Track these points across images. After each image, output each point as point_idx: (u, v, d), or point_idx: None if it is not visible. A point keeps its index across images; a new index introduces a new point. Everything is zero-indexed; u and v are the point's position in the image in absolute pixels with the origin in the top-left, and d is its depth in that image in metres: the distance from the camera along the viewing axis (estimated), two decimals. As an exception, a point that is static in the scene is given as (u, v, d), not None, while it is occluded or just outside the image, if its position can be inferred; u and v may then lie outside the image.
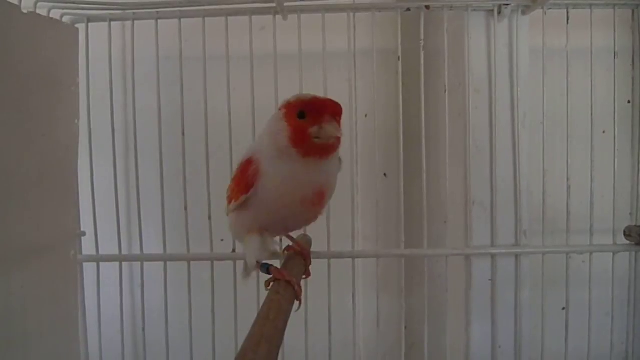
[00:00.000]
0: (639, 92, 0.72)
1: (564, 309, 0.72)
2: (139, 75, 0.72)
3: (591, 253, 0.71)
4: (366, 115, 0.79)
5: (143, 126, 0.72)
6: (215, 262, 0.72)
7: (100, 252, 0.73)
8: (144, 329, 0.74)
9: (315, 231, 0.70)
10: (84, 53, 0.71)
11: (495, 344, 0.73)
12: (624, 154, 0.74)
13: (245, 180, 0.49)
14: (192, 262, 0.73)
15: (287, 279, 0.49)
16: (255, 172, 0.48)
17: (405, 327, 0.73)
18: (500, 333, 0.72)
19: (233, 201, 0.51)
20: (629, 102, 0.75)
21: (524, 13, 0.71)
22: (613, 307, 0.73)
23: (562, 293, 0.72)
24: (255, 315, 0.49)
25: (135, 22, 0.72)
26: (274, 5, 0.68)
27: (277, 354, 0.37)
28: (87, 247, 0.74)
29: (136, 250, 0.74)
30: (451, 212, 0.71)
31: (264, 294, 0.49)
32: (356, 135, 0.70)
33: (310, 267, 0.59)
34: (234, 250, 0.72)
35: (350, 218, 0.71)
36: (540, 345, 0.72)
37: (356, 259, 0.73)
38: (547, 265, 0.71)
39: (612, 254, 0.71)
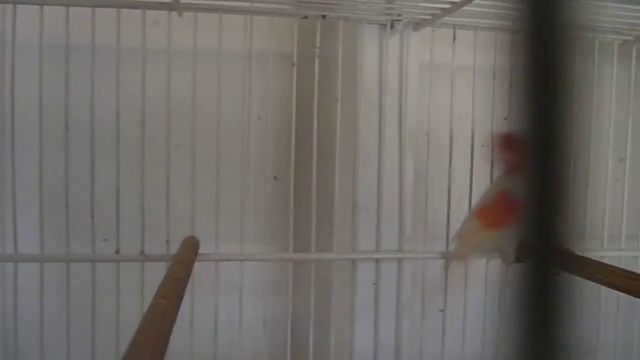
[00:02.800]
0: (514, 110, 0.78)
1: (441, 310, 0.77)
2: (19, 64, 0.67)
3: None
4: (259, 118, 0.79)
5: (22, 117, 0.68)
6: (96, 264, 0.69)
7: (-32, 251, 0.68)
8: (15, 336, 0.69)
9: (203, 232, 0.69)
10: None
11: (378, 345, 0.76)
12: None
13: None
14: (71, 264, 0.69)
15: None
16: None
17: (292, 329, 0.74)
18: (382, 334, 0.75)
19: None
20: (505, 118, 0.80)
21: (415, 29, 0.74)
22: (485, 308, 0.78)
23: (440, 296, 0.76)
24: (138, 320, 0.47)
25: (17, 6, 0.67)
26: (169, 0, 0.66)
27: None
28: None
29: (9, 250, 0.69)
30: (339, 217, 0.73)
31: (150, 298, 0.48)
32: (248, 137, 0.70)
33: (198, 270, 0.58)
34: (117, 252, 0.69)
35: (239, 220, 0.71)
36: (420, 344, 0.76)
37: (244, 262, 0.72)
38: (426, 270, 0.75)
39: (485, 259, 0.76)
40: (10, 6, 0.67)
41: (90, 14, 0.67)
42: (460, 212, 0.75)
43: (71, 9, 0.68)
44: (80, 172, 0.69)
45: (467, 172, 0.76)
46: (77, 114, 0.68)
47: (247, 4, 0.70)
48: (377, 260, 0.74)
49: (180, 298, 0.51)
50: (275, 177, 0.79)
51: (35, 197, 0.68)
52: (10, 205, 0.69)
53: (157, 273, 0.63)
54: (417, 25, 0.73)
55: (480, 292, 0.78)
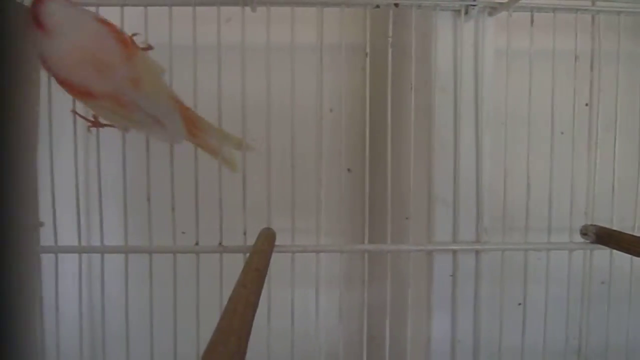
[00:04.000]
0: (597, 95, 0.74)
1: (520, 304, 0.74)
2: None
3: (548, 250, 0.73)
4: (331, 110, 0.79)
5: (106, 115, 0.71)
6: (177, 255, 0.72)
7: (59, 244, 0.72)
8: (103, 323, 0.73)
9: (280, 226, 0.70)
10: (45, 38, 0.69)
11: (455, 338, 0.74)
12: (581, 155, 0.76)
13: None
14: (153, 255, 0.72)
15: None
16: None
17: (367, 321, 0.73)
18: (460, 327, 0.74)
19: None
20: (586, 104, 0.77)
21: (490, 14, 0.72)
22: (568, 304, 0.75)
23: (519, 289, 0.74)
24: (218, 309, 0.49)
25: (100, 8, 0.70)
26: (243, -4, 0.67)
27: (246, 346, 0.37)
28: (45, 237, 0.72)
29: (96, 242, 0.73)
30: (414, 208, 0.72)
31: (227, 288, 0.49)
32: (321, 130, 0.70)
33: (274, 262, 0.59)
34: (197, 243, 0.71)
35: (314, 213, 0.71)
36: (498, 339, 0.74)
37: (320, 254, 0.73)
38: (505, 262, 0.73)
39: (568, 251, 0.73)
40: (93, 9, 0.70)
41: (167, 13, 0.69)
42: (540, 202, 0.73)
43: (149, 8, 0.70)
44: (160, 167, 0.72)
45: (547, 160, 0.73)
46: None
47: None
48: (454, 252, 0.73)
49: (261, 288, 0.51)
50: (348, 169, 0.80)
51: (119, 192, 0.71)
52: (97, 200, 0.72)
53: (234, 264, 0.64)
54: (493, 10, 0.71)
55: (562, 284, 0.75)
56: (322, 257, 0.74)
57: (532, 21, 0.72)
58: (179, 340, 0.72)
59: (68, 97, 0.69)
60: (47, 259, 0.72)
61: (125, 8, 0.70)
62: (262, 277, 0.56)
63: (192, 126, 0.66)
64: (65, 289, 0.72)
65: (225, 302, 0.45)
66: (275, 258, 0.63)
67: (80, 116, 0.63)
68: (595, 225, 0.72)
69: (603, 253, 0.73)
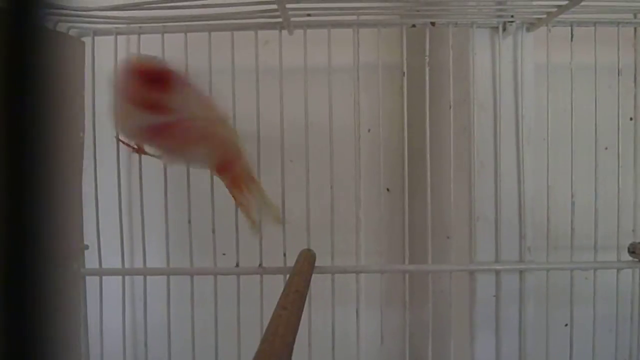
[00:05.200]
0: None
1: (566, 325, 0.72)
2: (144, 89, 0.72)
3: (595, 270, 0.71)
4: (369, 130, 0.79)
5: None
6: (218, 277, 0.72)
7: (103, 266, 0.73)
8: (146, 344, 0.73)
9: (319, 246, 0.70)
10: (89, 66, 0.71)
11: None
12: (627, 171, 0.74)
13: None
14: (195, 277, 0.72)
15: None
16: None
17: (409, 343, 0.72)
18: (504, 349, 0.72)
19: None
20: (631, 119, 0.75)
21: (528, 30, 0.71)
22: (617, 324, 0.72)
23: (565, 309, 0.72)
24: (259, 330, 0.49)
25: (141, 35, 0.72)
26: (280, 20, 0.68)
27: (287, 368, 0.37)
28: (90, 260, 0.74)
29: (139, 264, 0.74)
30: (455, 228, 0.71)
31: (268, 309, 0.49)
32: (359, 150, 0.70)
33: (313, 283, 0.59)
34: (237, 265, 0.72)
35: (353, 233, 0.71)
36: (545, 361, 0.72)
37: (360, 274, 0.72)
38: (550, 282, 0.71)
39: (616, 270, 0.71)
40: (135, 36, 0.72)
41: (206, 39, 0.71)
42: (585, 220, 0.71)
43: (189, 34, 0.71)
44: (201, 190, 0.73)
45: (591, 176, 0.71)
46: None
47: (354, 18, 0.71)
48: (497, 272, 0.71)
49: (301, 309, 0.51)
50: (387, 189, 0.79)
51: (161, 215, 0.72)
52: (139, 223, 0.73)
53: (275, 285, 0.64)
54: (531, 25, 0.70)
55: (610, 304, 0.72)
56: (362, 278, 0.74)
57: (572, 36, 0.71)
58: (220, 361, 0.72)
59: (111, 124, 0.71)
60: (91, 281, 0.73)
61: (166, 35, 0.71)
62: (303, 298, 0.56)
63: (241, 180, 0.66)
64: (109, 310, 0.73)
65: (265, 324, 0.45)
66: (315, 279, 0.63)
67: (124, 143, 0.65)
68: (643, 243, 0.70)
69: (652, 271, 0.71)
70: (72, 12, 0.65)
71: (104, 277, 0.73)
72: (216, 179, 0.70)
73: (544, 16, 0.68)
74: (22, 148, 0.56)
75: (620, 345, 0.73)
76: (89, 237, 0.73)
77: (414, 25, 0.71)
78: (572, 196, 0.71)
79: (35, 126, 0.59)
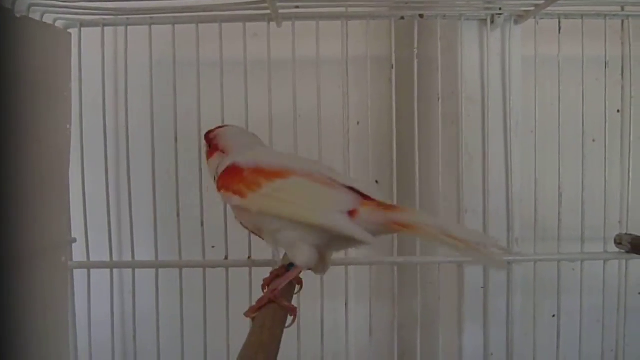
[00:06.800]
0: (629, 102, 0.73)
1: (554, 316, 0.73)
2: (131, 81, 0.72)
3: (582, 261, 0.72)
4: (358, 123, 0.79)
5: (135, 132, 0.72)
6: (207, 269, 0.72)
7: (91, 259, 0.73)
8: (134, 337, 0.73)
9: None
10: (76, 58, 0.71)
11: (488, 352, 0.73)
12: (614, 163, 0.75)
13: None
14: (183, 269, 0.72)
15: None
16: None
17: (398, 334, 0.73)
18: (493, 340, 0.73)
19: None
20: (618, 111, 0.75)
21: (516, 22, 0.71)
22: (603, 315, 0.73)
23: (553, 300, 0.73)
24: (248, 323, 0.49)
25: (129, 27, 0.72)
26: (268, 12, 0.68)
27: (275, 360, 0.37)
28: (78, 253, 0.73)
29: (127, 257, 0.74)
30: (443, 220, 0.71)
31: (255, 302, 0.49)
32: (348, 142, 0.70)
33: (302, 275, 0.59)
34: (226, 257, 0.72)
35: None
36: (532, 352, 0.73)
37: (349, 266, 0.72)
38: (538, 273, 0.71)
39: (602, 262, 0.72)
40: (122, 28, 0.72)
41: (194, 31, 0.70)
42: (572, 212, 0.71)
43: (177, 26, 0.71)
44: (189, 182, 0.73)
45: (578, 168, 0.72)
46: (185, 126, 0.71)
47: (342, 10, 0.71)
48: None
49: (289, 302, 0.52)
50: (376, 181, 0.79)
51: (149, 208, 0.72)
52: (128, 216, 0.73)
53: (263, 277, 0.64)
54: (519, 18, 0.71)
55: (596, 295, 0.73)
56: (351, 270, 0.74)
57: (559, 28, 0.71)
58: (209, 354, 0.72)
59: (99, 116, 0.71)
60: (79, 274, 0.73)
61: (153, 27, 0.71)
62: (291, 291, 0.56)
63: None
64: (97, 303, 0.73)
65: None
66: (304, 271, 0.63)
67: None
68: (630, 234, 0.70)
69: (638, 263, 0.72)
70: (59, 3, 0.65)
71: (92, 270, 0.73)
72: (205, 172, 0.70)
73: (532, 9, 0.68)
74: (5, 140, 0.55)
75: (606, 335, 0.74)
76: (77, 230, 0.72)
77: (402, 18, 0.71)
78: (559, 188, 0.71)
79: (19, 118, 0.58)
